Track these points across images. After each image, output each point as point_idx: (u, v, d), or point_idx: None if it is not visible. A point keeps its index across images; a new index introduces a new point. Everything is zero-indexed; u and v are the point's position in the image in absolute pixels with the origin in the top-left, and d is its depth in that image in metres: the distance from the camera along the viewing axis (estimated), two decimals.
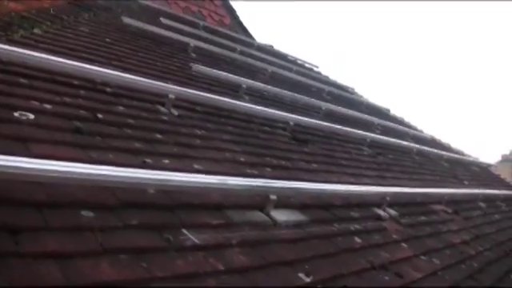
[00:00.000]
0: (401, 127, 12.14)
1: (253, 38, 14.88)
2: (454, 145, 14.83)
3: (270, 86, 8.27)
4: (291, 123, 6.70)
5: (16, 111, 3.34)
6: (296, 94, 8.79)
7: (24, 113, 3.37)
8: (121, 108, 4.46)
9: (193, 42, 8.86)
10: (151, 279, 2.30)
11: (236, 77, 7.49)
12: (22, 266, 1.97)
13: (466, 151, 14.81)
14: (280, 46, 17.20)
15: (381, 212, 5.21)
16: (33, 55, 4.11)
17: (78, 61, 4.60)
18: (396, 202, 5.62)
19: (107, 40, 6.75)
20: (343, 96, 12.65)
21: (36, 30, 5.61)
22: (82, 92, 4.37)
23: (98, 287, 2.09)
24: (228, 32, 12.87)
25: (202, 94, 5.57)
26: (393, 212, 5.38)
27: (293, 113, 7.13)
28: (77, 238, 2.31)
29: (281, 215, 3.77)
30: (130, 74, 4.99)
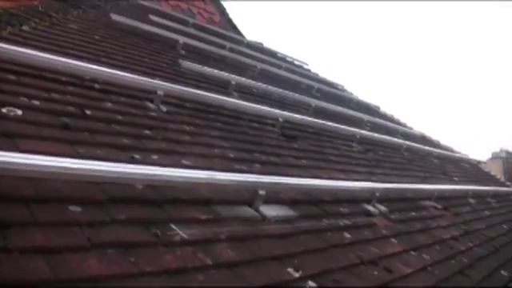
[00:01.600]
0: (391, 124, 12.16)
1: (242, 36, 14.88)
2: (444, 142, 14.88)
3: (259, 83, 8.27)
4: (280, 120, 6.70)
5: (4, 107, 3.34)
6: (285, 91, 8.80)
7: (12, 109, 3.36)
8: (109, 104, 4.45)
9: (182, 39, 8.85)
10: (139, 274, 2.29)
11: (225, 73, 7.48)
12: (9, 260, 1.97)
13: (455, 148, 14.86)
14: (270, 44, 17.20)
15: (370, 208, 5.22)
16: (21, 52, 4.10)
17: (66, 57, 4.59)
18: (386, 197, 5.63)
19: (96, 37, 6.73)
20: (333, 93, 12.67)
21: (24, 27, 5.59)
22: (71, 88, 4.36)
23: (86, 282, 2.08)
24: (217, 29, 12.85)
25: (190, 90, 5.56)
26: (382, 208, 5.39)
27: (282, 109, 7.13)
28: (64, 233, 2.30)
29: (270, 210, 3.77)
30: (119, 70, 4.98)
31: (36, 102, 3.70)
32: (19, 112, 3.36)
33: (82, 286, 2.05)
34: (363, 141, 8.61)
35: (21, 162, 2.35)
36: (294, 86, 10.59)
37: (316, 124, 7.59)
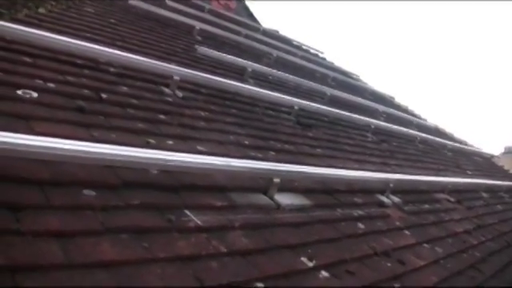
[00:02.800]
0: (405, 115, 12.12)
1: (258, 23, 14.82)
2: (458, 135, 14.83)
3: (274, 70, 8.23)
4: (296, 108, 6.66)
5: (19, 89, 3.33)
6: (301, 79, 8.75)
7: (27, 91, 3.35)
8: (124, 88, 4.43)
9: (198, 25, 8.82)
10: (153, 260, 2.27)
11: (241, 60, 7.44)
12: (22, 243, 1.96)
13: (469, 141, 14.80)
14: (285, 32, 17.14)
15: (384, 199, 5.19)
16: (37, 34, 4.09)
17: (82, 41, 4.57)
18: (400, 189, 5.60)
19: (112, 21, 6.71)
20: (348, 82, 12.61)
21: (40, 10, 5.58)
22: (86, 71, 4.35)
23: (100, 267, 2.06)
24: (233, 16, 12.80)
25: (206, 76, 5.52)
26: (396, 199, 5.36)
27: (297, 97, 7.08)
28: (78, 217, 2.29)
29: (284, 199, 3.75)
30: (135, 54, 4.95)
31: (51, 85, 3.69)
32: (34, 94, 3.35)
33: (96, 271, 2.03)
34: (378, 131, 8.56)
35: (35, 145, 2.33)
36: (310, 74, 10.54)
37: (331, 113, 7.54)
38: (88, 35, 5.37)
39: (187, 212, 2.85)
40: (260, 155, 4.54)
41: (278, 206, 3.64)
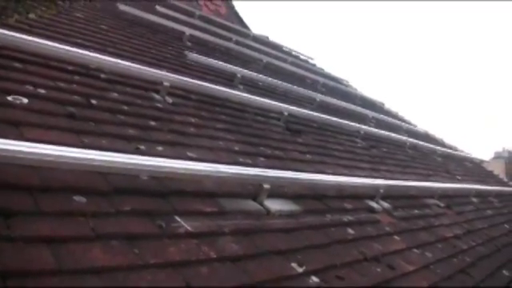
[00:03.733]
0: (395, 121, 12.16)
1: (248, 29, 14.84)
2: (448, 140, 14.87)
3: (264, 76, 8.25)
4: (285, 113, 6.67)
5: (10, 95, 3.32)
6: (291, 85, 8.77)
7: (18, 97, 3.34)
8: (115, 94, 4.43)
9: (188, 31, 8.83)
10: (143, 266, 2.28)
11: (231, 66, 7.46)
12: (13, 250, 1.96)
13: (459, 147, 14.85)
14: (275, 38, 17.17)
15: (374, 204, 5.21)
16: (27, 40, 4.08)
17: (72, 46, 4.57)
18: (389, 194, 5.62)
19: (102, 27, 6.72)
20: (338, 88, 12.65)
21: (31, 15, 5.58)
22: (77, 77, 4.35)
23: (91, 273, 2.07)
24: (223, 22, 12.80)
25: (196, 82, 5.53)
26: (386, 204, 5.38)
27: (287, 103, 7.09)
28: (69, 223, 2.29)
29: (274, 204, 3.76)
30: (125, 60, 4.95)
31: (42, 91, 3.69)
32: (25, 100, 3.35)
33: (87, 277, 2.03)
34: (367, 137, 8.59)
35: (26, 151, 2.34)
36: (299, 81, 10.57)
37: (321, 119, 7.57)
38: (78, 41, 5.37)
39: (177, 218, 2.85)
40: (249, 161, 4.55)
41: (268, 212, 3.65)
